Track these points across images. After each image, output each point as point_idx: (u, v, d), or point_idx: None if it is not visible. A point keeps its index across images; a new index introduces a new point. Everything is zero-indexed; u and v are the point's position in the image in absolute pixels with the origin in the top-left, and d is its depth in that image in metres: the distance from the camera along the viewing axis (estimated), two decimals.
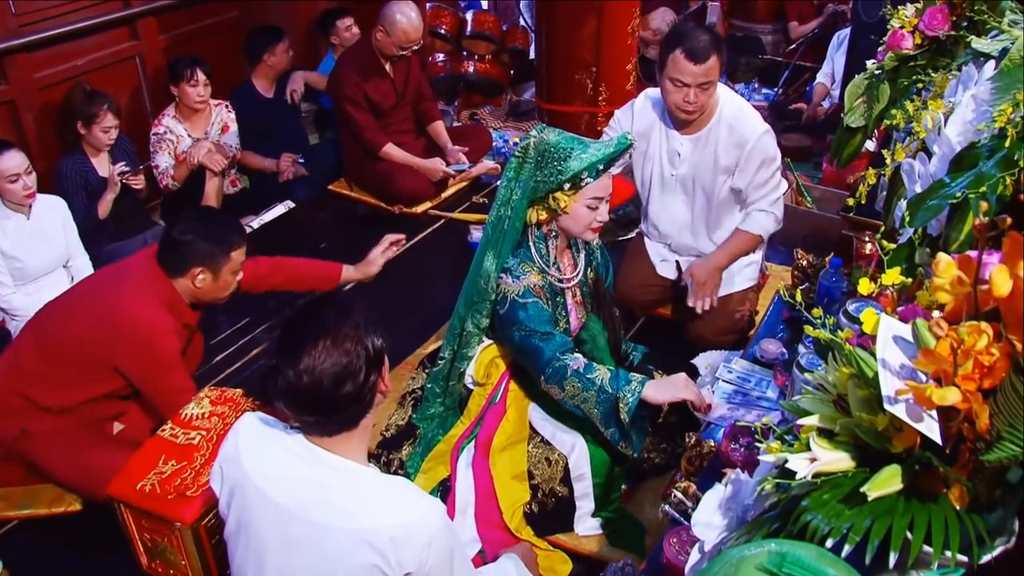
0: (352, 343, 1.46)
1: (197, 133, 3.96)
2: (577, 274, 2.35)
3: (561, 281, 2.30)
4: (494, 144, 4.69)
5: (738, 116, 2.71)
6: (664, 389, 2.12)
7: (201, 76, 3.85)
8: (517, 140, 4.64)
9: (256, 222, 4.05)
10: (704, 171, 2.78)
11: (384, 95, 4.08)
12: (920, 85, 1.78)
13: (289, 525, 1.49)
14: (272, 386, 1.46)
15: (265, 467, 1.53)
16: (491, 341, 2.37)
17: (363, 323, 1.50)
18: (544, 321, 2.18)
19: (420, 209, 4.22)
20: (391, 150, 4.12)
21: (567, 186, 2.12)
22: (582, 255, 2.38)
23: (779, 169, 2.79)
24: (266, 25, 4.39)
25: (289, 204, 4.24)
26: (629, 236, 3.79)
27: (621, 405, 2.09)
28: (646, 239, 3.12)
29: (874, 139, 2.25)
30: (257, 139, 4.30)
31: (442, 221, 4.14)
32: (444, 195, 4.33)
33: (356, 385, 1.46)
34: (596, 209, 2.18)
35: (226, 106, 4.11)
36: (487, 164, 4.44)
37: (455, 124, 5.11)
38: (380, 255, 2.86)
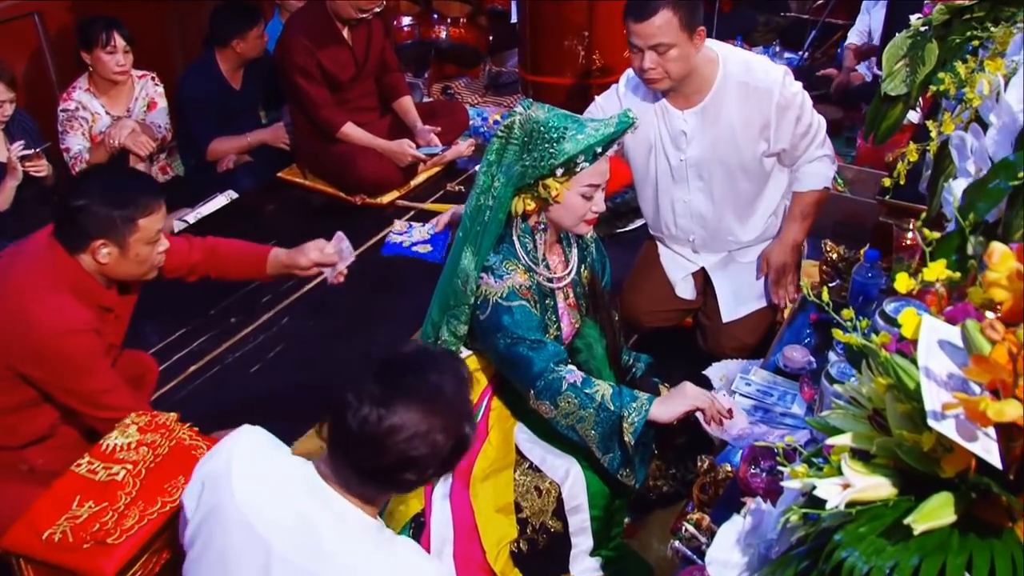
0: (444, 436, 1.47)
1: (117, 110, 3.92)
2: (569, 273, 2.34)
3: (551, 281, 2.29)
4: (471, 123, 4.70)
5: (747, 71, 2.68)
6: (672, 403, 2.11)
7: (120, 41, 3.77)
8: (498, 118, 4.67)
9: (192, 216, 4.04)
10: (723, 145, 2.74)
11: (341, 66, 4.07)
12: (976, 42, 1.75)
13: (271, 567, 1.48)
14: (338, 406, 1.45)
15: (259, 493, 1.52)
16: (470, 352, 2.36)
17: (466, 410, 1.53)
18: (533, 327, 2.18)
19: (386, 199, 4.22)
20: (350, 130, 4.11)
21: (559, 172, 2.11)
22: (574, 251, 2.37)
23: (810, 102, 2.75)
24: (239, 3, 4.27)
25: (232, 194, 4.23)
26: (629, 228, 3.78)
27: (625, 425, 2.08)
28: (661, 247, 3.07)
29: (918, 109, 2.26)
30: (218, 128, 4.28)
31: (411, 213, 4.13)
32: (413, 183, 4.35)
33: (416, 476, 1.49)
34: (591, 198, 2.17)
35: (152, 78, 4.06)
36: (463, 146, 4.44)
37: (425, 99, 5.12)
38: (311, 259, 2.61)
